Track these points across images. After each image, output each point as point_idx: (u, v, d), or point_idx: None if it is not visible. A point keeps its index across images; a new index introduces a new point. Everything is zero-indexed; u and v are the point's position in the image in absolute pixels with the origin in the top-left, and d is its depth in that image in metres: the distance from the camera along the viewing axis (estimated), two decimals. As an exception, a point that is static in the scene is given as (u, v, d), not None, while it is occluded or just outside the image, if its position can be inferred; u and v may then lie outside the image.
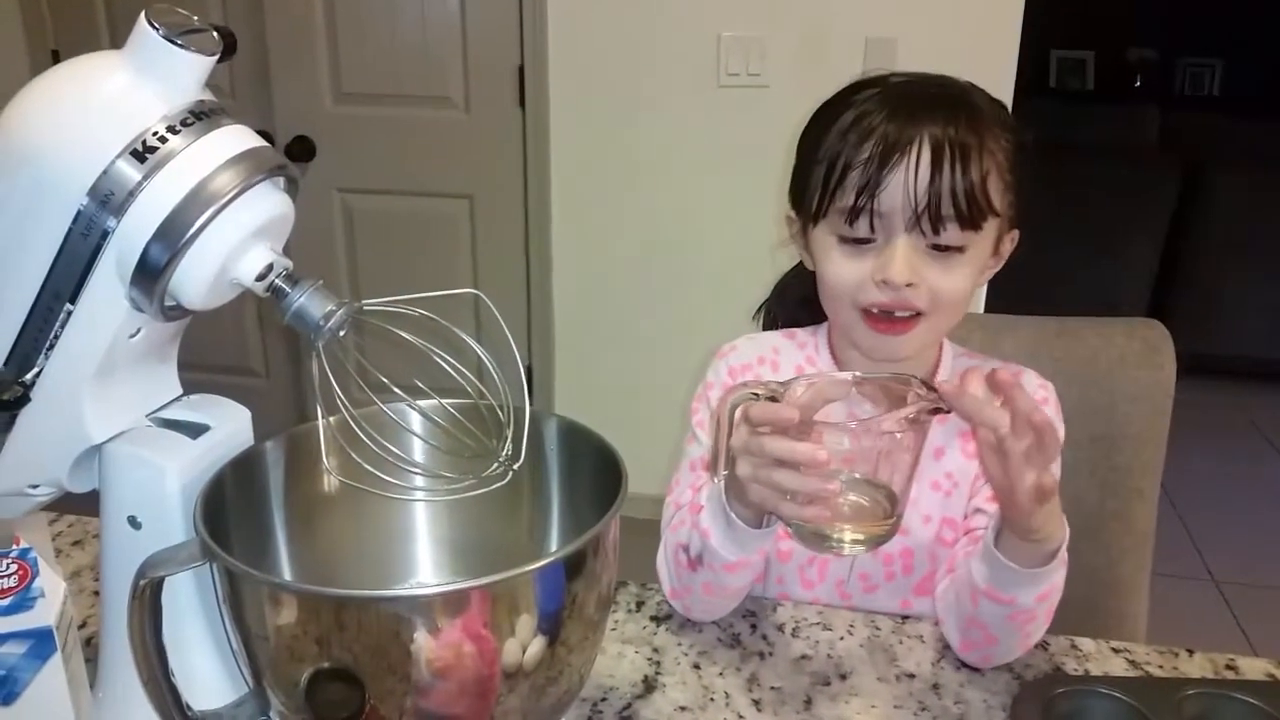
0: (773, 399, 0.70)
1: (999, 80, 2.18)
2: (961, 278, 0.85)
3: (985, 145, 0.83)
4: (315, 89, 2.52)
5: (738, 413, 0.72)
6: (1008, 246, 0.92)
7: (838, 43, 2.23)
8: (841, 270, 0.87)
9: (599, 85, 2.40)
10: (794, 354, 1.00)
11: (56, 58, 2.61)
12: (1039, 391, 0.96)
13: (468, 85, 2.47)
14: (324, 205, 2.61)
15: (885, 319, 0.86)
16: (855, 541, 0.73)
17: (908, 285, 0.83)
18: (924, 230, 0.83)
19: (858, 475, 0.71)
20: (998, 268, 0.93)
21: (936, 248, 0.84)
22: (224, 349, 2.75)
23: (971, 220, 0.82)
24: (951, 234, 0.83)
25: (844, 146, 0.84)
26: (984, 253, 0.87)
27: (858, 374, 0.74)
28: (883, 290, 0.84)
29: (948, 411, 0.67)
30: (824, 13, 2.24)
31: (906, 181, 0.81)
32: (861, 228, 0.84)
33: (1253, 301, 3.57)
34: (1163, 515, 1.16)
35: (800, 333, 1.01)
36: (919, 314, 0.86)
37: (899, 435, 0.69)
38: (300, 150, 2.54)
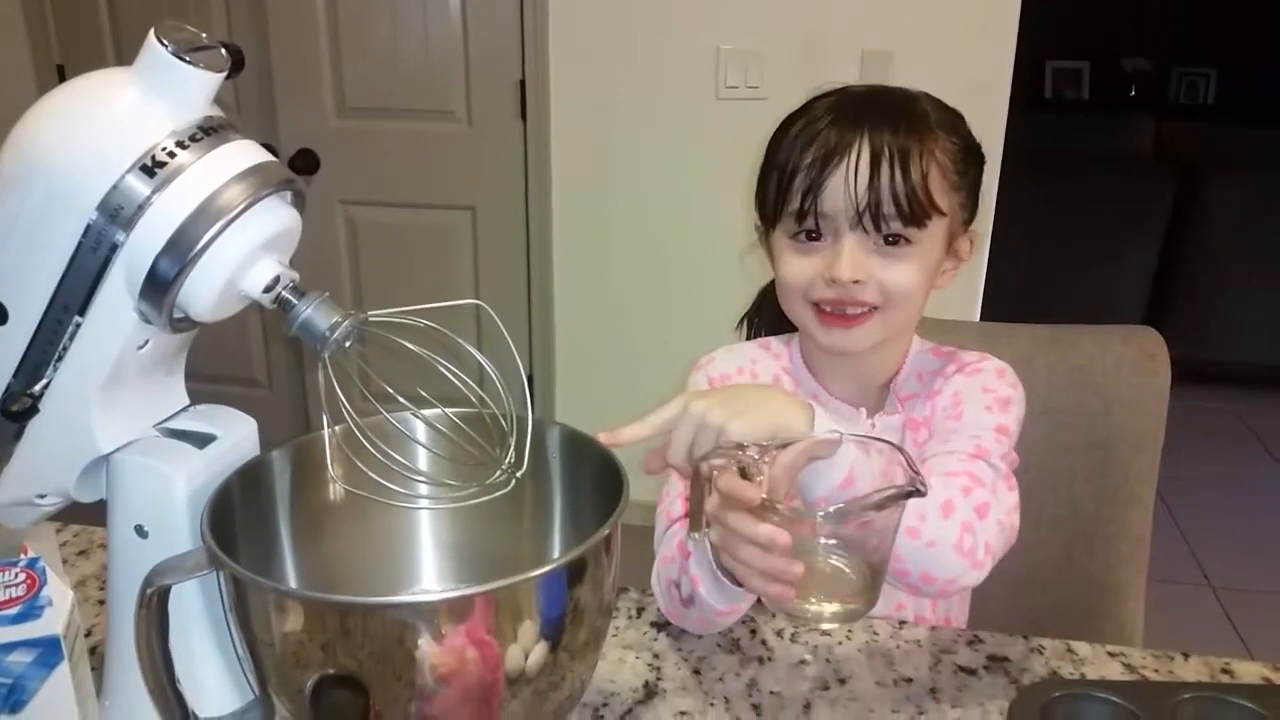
0: (743, 469, 0.68)
1: (994, 92, 2.20)
2: (909, 272, 0.87)
3: (926, 147, 0.86)
4: (319, 103, 2.54)
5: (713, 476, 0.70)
6: (966, 248, 0.94)
7: (835, 55, 2.25)
8: (793, 268, 0.90)
9: (599, 98, 2.42)
10: (770, 364, 1.01)
11: (61, 72, 2.63)
12: (975, 363, 0.95)
13: (470, 99, 2.48)
14: (328, 217, 2.62)
15: (838, 315, 0.89)
16: (831, 617, 0.72)
17: (855, 282, 0.86)
18: (867, 228, 0.86)
19: (834, 543, 0.70)
20: (958, 269, 0.95)
21: (883, 243, 0.86)
22: (228, 359, 2.76)
23: (914, 217, 0.85)
24: (895, 229, 0.86)
25: (792, 153, 0.88)
26: (933, 250, 0.89)
27: (845, 434, 0.72)
28: (832, 287, 0.87)
29: (923, 494, 0.65)
30: (821, 26, 2.25)
31: (847, 182, 0.85)
32: (810, 228, 0.88)
33: (1248, 308, 3.58)
34: (1159, 521, 1.17)
35: (774, 342, 1.03)
36: (872, 309, 0.88)
37: (870, 518, 0.67)
38: (304, 164, 2.55)
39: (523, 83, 2.43)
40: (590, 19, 2.36)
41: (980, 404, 0.91)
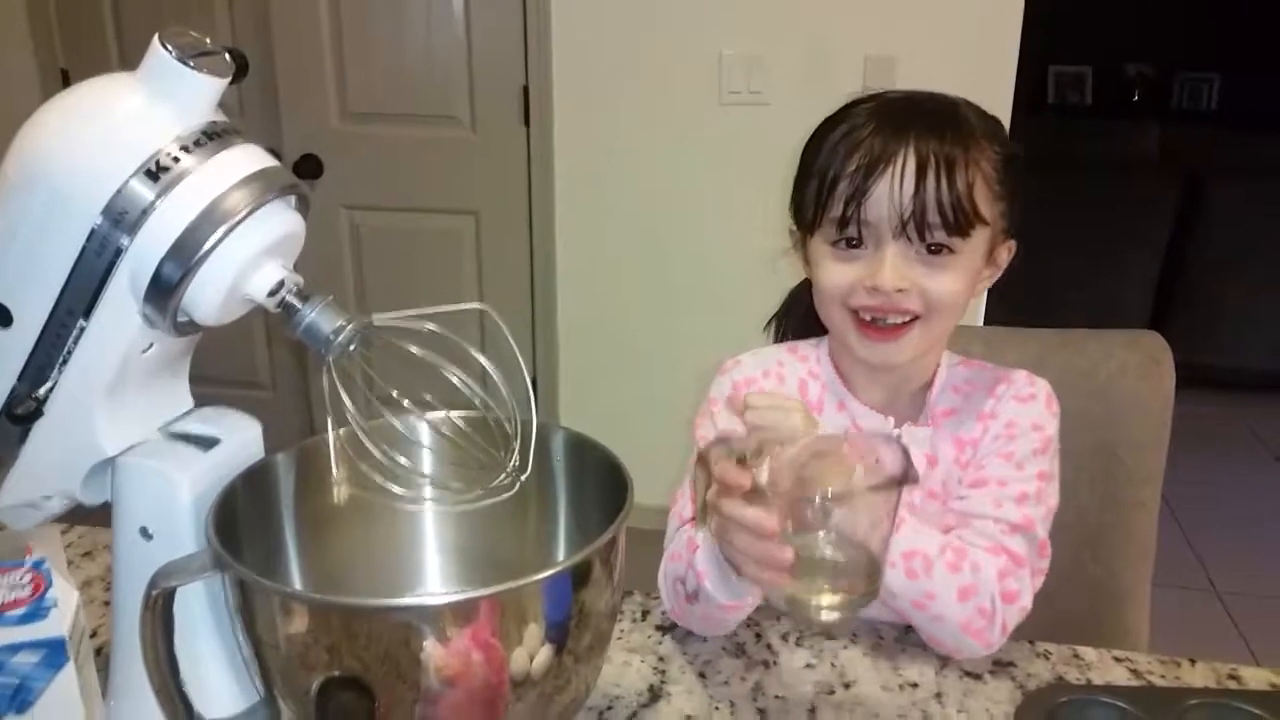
0: (741, 459, 0.69)
1: (997, 96, 2.19)
2: (952, 280, 0.87)
3: (971, 156, 0.85)
4: (323, 108, 2.55)
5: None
6: (1004, 256, 0.93)
7: (838, 60, 2.25)
8: (833, 275, 0.89)
9: (602, 103, 2.42)
10: (797, 367, 1.00)
11: (65, 77, 2.64)
12: (1026, 388, 0.96)
13: (473, 104, 2.49)
14: (331, 222, 2.63)
15: (877, 326, 0.88)
16: (831, 607, 0.72)
17: (898, 290, 0.85)
18: (910, 237, 0.85)
19: (833, 534, 0.70)
20: (995, 277, 0.94)
21: (926, 252, 0.86)
22: (232, 363, 2.76)
23: (958, 227, 0.84)
24: (939, 238, 0.85)
25: (834, 159, 0.87)
26: (975, 259, 0.89)
27: (850, 431, 0.73)
28: (873, 295, 0.86)
29: (915, 482, 0.66)
30: (824, 31, 2.26)
31: (892, 191, 0.84)
32: (851, 236, 0.87)
33: (1253, 312, 3.58)
34: (1164, 526, 1.16)
35: (802, 345, 1.02)
36: (914, 319, 0.87)
37: (863, 504, 0.68)
38: (308, 168, 2.56)
39: (526, 88, 2.43)
40: (593, 25, 2.37)
41: (1029, 445, 0.91)
